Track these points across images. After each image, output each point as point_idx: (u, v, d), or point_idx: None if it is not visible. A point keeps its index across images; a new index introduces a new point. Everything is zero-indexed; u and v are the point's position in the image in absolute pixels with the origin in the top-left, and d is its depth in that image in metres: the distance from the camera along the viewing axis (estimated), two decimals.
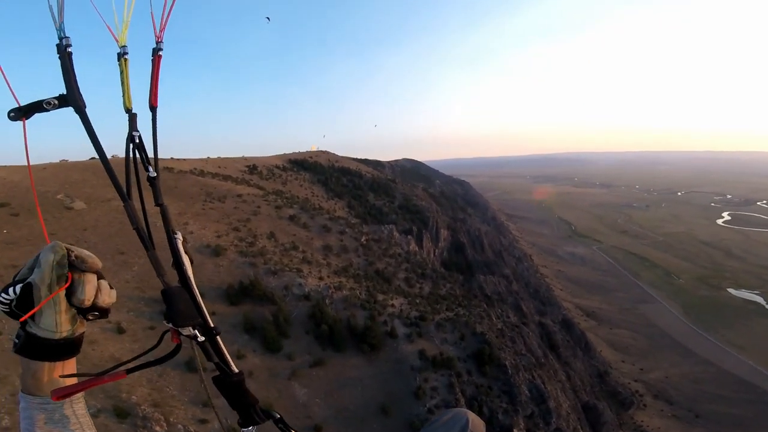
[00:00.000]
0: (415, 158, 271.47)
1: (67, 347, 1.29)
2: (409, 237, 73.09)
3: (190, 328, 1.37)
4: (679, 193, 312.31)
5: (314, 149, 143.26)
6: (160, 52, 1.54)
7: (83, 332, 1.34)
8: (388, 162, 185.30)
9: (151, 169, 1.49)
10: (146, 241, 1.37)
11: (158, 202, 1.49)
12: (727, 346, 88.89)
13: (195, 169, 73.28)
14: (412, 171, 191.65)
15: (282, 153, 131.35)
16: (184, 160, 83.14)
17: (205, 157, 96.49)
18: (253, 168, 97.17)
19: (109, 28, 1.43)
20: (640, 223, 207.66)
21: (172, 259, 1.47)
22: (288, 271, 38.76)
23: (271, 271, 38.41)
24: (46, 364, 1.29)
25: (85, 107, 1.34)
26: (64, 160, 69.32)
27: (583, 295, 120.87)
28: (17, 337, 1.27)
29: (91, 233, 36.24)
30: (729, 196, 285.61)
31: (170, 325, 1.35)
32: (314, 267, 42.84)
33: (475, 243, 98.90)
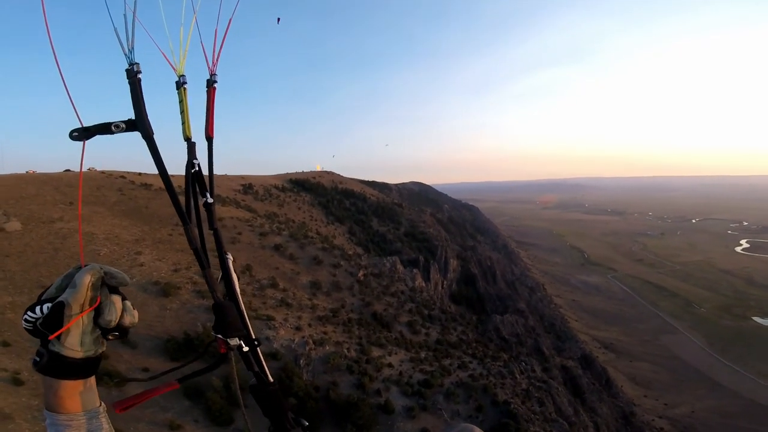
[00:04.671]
0: (423, 181, 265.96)
1: (89, 366, 1.33)
2: (414, 270, 64.73)
3: (237, 339, 1.49)
4: (694, 221, 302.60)
5: (318, 169, 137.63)
6: (215, 84, 1.62)
7: (103, 351, 1.38)
8: (395, 185, 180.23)
9: (208, 195, 1.60)
10: (203, 260, 1.46)
11: (213, 227, 1.60)
12: (759, 377, 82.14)
13: (179, 186, 66.30)
14: (419, 195, 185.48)
15: (284, 172, 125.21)
16: (172, 176, 76.69)
17: None
18: (248, 187, 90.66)
19: (166, 57, 1.45)
20: (656, 252, 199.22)
21: (219, 276, 1.58)
22: (254, 319, 30.60)
23: None
24: (69, 382, 1.31)
25: (153, 134, 1.37)
26: (31, 171, 63.55)
27: (600, 327, 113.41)
28: (38, 355, 1.29)
29: (13, 261, 28.99)
30: (746, 223, 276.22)
31: (219, 336, 1.47)
32: (294, 311, 34.84)
33: (487, 274, 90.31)
